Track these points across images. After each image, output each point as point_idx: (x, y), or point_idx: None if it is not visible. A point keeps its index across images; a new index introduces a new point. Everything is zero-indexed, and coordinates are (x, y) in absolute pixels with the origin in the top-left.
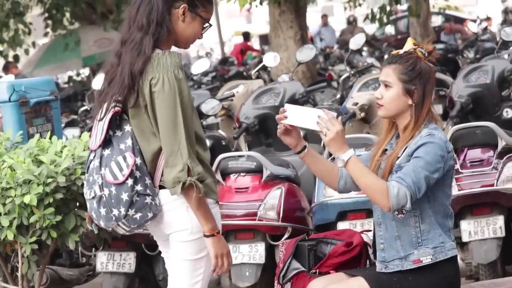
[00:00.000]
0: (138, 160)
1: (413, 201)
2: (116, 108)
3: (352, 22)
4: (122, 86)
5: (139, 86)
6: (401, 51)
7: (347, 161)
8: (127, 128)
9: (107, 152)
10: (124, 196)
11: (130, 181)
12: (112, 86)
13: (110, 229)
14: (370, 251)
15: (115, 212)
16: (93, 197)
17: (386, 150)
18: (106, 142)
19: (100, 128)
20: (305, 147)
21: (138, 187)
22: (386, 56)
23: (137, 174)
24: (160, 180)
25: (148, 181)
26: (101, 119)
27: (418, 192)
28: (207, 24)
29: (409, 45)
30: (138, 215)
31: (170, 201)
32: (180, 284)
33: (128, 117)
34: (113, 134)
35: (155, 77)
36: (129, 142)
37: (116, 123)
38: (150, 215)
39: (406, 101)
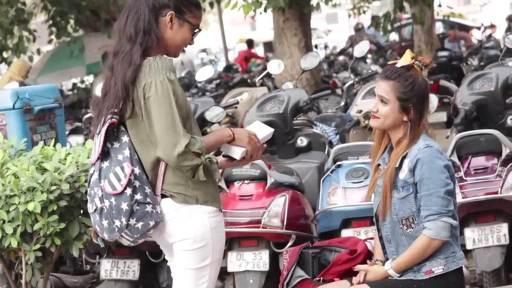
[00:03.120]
0: (137, 170)
1: (452, 214)
2: (112, 120)
3: (360, 29)
4: (116, 97)
5: (134, 95)
6: (399, 64)
7: (392, 268)
8: (125, 139)
9: (105, 164)
10: (124, 206)
11: (128, 191)
12: (107, 98)
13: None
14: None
15: (117, 223)
16: (95, 210)
17: (379, 165)
18: (105, 155)
19: (97, 141)
20: None
21: (138, 196)
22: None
23: (136, 183)
24: (162, 189)
25: (148, 190)
26: (98, 133)
27: (448, 209)
28: (196, 30)
29: (407, 59)
30: (139, 224)
31: (172, 211)
32: None
33: (126, 128)
34: (111, 146)
35: (148, 83)
36: (127, 152)
37: (113, 135)
38: (151, 223)
39: (401, 117)
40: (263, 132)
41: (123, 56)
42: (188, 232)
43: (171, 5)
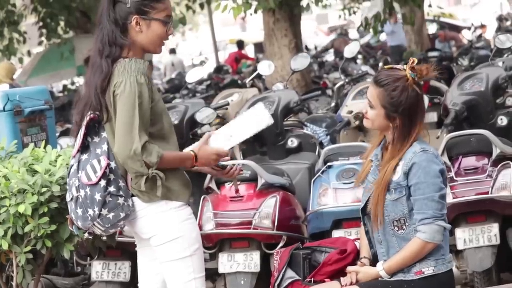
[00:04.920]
0: (113, 164)
1: (444, 217)
2: (93, 115)
3: (344, 34)
4: (91, 107)
5: (106, 96)
6: (393, 71)
7: (384, 270)
8: (104, 134)
9: (84, 156)
10: (97, 196)
11: (103, 182)
12: (85, 104)
13: (89, 229)
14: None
15: (90, 212)
16: (71, 199)
17: (371, 160)
18: (85, 148)
19: (79, 135)
20: None
21: (111, 188)
22: (380, 64)
23: (111, 176)
24: (131, 186)
25: (122, 183)
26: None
27: (442, 212)
28: (168, 21)
29: (407, 66)
30: (111, 215)
31: (140, 209)
32: (174, 284)
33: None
34: (91, 140)
35: (119, 81)
36: (105, 147)
37: (94, 129)
38: (122, 214)
39: (387, 123)
40: (254, 125)
41: (95, 68)
42: (155, 228)
43: (132, 10)
